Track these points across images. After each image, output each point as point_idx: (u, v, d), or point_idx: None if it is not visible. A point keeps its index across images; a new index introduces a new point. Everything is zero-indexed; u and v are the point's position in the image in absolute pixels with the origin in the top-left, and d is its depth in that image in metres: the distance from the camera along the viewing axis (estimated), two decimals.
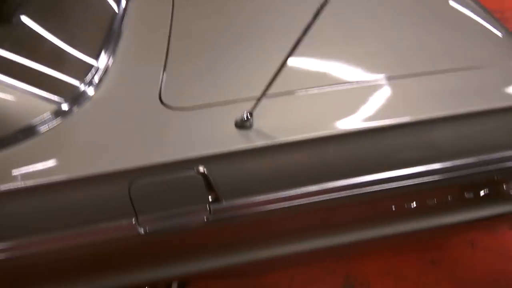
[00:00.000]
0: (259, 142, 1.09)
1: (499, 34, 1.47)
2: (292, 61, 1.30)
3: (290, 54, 0.96)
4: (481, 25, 1.51)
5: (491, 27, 1.50)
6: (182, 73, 1.32)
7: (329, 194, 1.18)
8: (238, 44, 1.42)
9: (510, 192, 1.33)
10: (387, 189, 1.18)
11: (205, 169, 1.09)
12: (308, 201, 1.17)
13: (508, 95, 1.21)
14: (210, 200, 1.13)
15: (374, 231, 1.39)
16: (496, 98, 1.20)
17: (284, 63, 0.98)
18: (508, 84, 1.23)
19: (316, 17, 0.87)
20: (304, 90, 1.24)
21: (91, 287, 1.41)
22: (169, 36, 1.46)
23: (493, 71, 1.28)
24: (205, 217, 1.15)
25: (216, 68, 1.33)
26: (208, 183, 1.11)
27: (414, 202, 1.29)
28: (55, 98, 1.19)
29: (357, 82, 1.26)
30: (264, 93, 1.04)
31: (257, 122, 1.13)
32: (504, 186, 1.30)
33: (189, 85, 1.29)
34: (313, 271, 1.96)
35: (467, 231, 1.98)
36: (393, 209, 1.30)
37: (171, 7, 1.63)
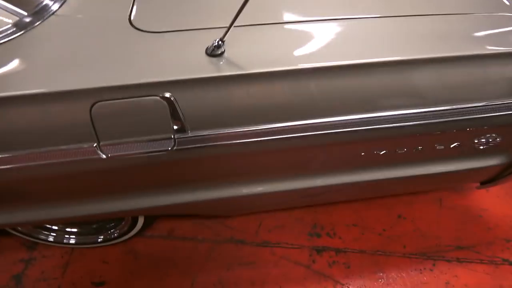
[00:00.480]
0: (229, 72, 1.05)
1: None
2: None
3: None
4: None
5: None
6: None
7: (298, 133, 1.14)
8: None
9: (480, 147, 1.32)
10: (358, 131, 1.16)
11: (171, 96, 1.05)
12: (276, 138, 1.14)
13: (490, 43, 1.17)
14: (175, 128, 1.10)
15: (342, 177, 1.38)
16: (478, 45, 1.17)
17: None
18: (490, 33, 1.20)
19: None
20: (283, 23, 1.19)
21: (53, 215, 1.39)
22: None
23: (480, 20, 1.25)
24: (169, 147, 1.12)
25: None
26: (174, 110, 1.07)
27: (384, 150, 1.27)
28: (17, 9, 1.14)
29: (339, 19, 1.21)
30: (235, 19, 0.98)
31: (229, 52, 1.08)
32: (475, 140, 1.29)
33: (162, 9, 1.22)
34: (281, 217, 1.97)
35: (435, 187, 2.01)
36: (362, 155, 1.28)
37: None
